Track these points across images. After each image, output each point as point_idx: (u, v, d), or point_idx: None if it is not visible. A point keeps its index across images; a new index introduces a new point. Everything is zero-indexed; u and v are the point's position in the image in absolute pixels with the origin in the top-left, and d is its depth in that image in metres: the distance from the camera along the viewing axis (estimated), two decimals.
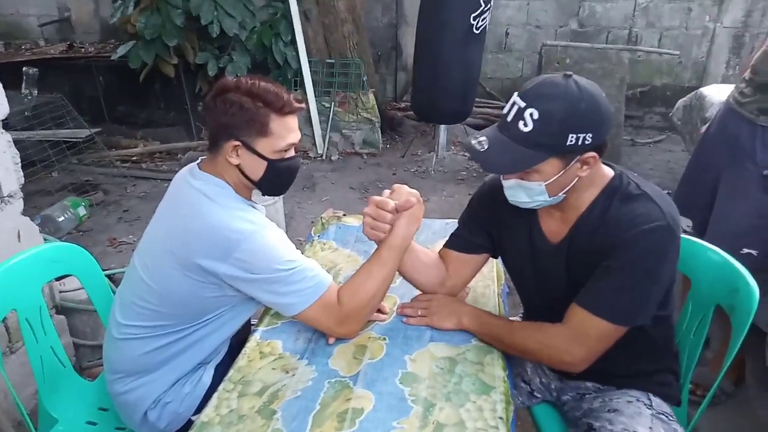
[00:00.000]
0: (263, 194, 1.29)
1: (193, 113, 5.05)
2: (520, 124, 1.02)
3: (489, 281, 1.49)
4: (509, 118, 1.05)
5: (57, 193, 3.86)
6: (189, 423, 1.08)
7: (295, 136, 1.22)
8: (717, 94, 2.71)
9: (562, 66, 4.35)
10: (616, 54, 4.43)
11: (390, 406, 1.04)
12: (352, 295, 1.19)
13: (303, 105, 1.24)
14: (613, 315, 1.07)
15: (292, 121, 1.22)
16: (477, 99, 4.85)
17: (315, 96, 4.73)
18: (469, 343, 1.24)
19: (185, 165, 1.29)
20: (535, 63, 5.32)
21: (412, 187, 1.24)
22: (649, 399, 1.19)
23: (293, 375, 1.14)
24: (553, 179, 1.06)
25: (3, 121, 1.77)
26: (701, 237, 1.48)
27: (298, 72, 4.67)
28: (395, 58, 5.81)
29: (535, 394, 1.37)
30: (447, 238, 1.37)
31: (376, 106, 4.90)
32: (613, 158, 4.33)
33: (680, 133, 3.24)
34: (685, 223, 2.10)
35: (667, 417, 1.16)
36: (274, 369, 1.16)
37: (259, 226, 1.16)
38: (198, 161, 1.28)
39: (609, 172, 1.14)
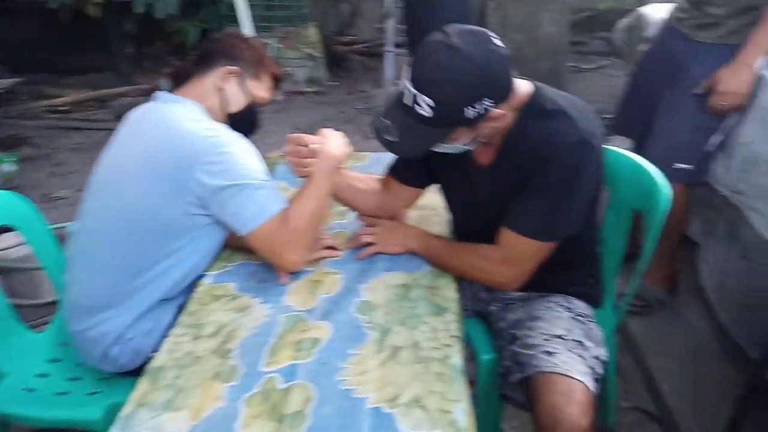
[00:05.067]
0: None
1: (123, 56, 4.74)
2: (418, 108, 1.03)
3: (441, 209, 1.50)
4: (408, 102, 1.04)
5: None
6: (150, 360, 1.08)
7: (268, 98, 1.40)
8: (656, 12, 2.73)
9: None
10: None
11: (347, 334, 1.06)
12: (293, 217, 1.21)
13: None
14: (539, 233, 1.12)
15: (272, 88, 1.41)
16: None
17: (254, 32, 4.50)
18: (422, 269, 1.26)
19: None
20: None
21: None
22: (569, 302, 1.26)
23: (248, 314, 1.13)
24: (468, 140, 1.10)
25: None
26: (642, 156, 1.52)
27: (233, 6, 4.40)
28: None
29: (465, 306, 1.40)
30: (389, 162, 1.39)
31: (318, 41, 4.72)
32: (557, 86, 4.33)
33: (622, 55, 3.28)
34: (627, 144, 2.16)
35: (584, 318, 1.24)
36: (227, 310, 1.14)
37: (231, 135, 1.21)
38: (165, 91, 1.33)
39: (527, 89, 1.13)
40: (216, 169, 1.15)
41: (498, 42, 1.03)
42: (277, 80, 1.41)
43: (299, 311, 1.13)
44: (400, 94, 1.06)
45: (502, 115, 1.06)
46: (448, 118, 1.03)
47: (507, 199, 1.15)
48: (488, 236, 1.19)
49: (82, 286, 1.23)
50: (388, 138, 1.08)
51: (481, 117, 1.03)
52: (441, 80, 1.00)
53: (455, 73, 0.99)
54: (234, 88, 1.32)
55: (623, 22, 3.12)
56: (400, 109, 1.06)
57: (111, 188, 1.24)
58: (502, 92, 1.04)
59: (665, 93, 1.87)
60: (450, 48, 0.99)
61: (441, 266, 1.26)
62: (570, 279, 1.28)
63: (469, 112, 1.01)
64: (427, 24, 3.70)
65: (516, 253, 1.15)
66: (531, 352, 1.13)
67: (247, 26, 4.41)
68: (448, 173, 1.30)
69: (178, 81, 1.34)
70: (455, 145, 1.10)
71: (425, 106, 1.01)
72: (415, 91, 1.02)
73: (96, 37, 4.69)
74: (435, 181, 1.37)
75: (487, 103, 1.02)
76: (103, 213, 1.23)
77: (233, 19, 4.44)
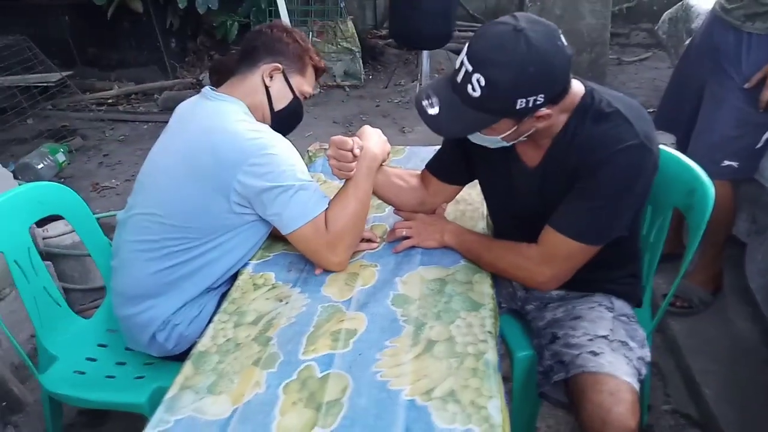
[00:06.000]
0: (272, 128, 1.31)
1: (166, 51, 4.86)
2: (469, 88, 0.99)
3: (478, 204, 1.50)
4: (459, 79, 1.01)
5: (33, 140, 3.77)
6: (194, 345, 1.12)
7: (312, 92, 1.42)
8: (704, 3, 2.63)
9: None
10: None
11: (382, 326, 1.07)
12: (334, 219, 1.22)
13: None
14: (585, 236, 1.09)
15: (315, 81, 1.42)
16: (460, 22, 4.68)
17: (292, 26, 4.54)
18: (458, 264, 1.26)
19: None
20: None
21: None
22: (611, 302, 1.23)
23: (287, 303, 1.16)
24: (507, 133, 1.06)
25: None
26: (684, 152, 1.47)
27: (272, 0, 4.46)
28: None
29: (501, 304, 1.40)
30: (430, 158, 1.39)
31: (356, 35, 4.74)
32: (599, 78, 4.24)
33: (666, 47, 3.18)
34: (669, 139, 2.10)
35: (628, 318, 1.21)
36: (267, 299, 1.18)
37: (274, 136, 1.22)
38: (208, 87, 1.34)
39: (579, 90, 1.09)
40: (260, 171, 1.16)
41: (564, 41, 0.99)
42: (319, 72, 1.41)
43: (336, 302, 1.15)
44: (454, 72, 1.03)
45: (548, 116, 1.03)
46: (497, 104, 0.99)
47: (552, 201, 1.13)
48: (528, 235, 1.17)
49: (129, 275, 1.27)
50: (428, 111, 1.06)
51: (529, 112, 1.00)
52: (501, 62, 0.95)
53: (517, 58, 0.94)
54: (280, 85, 1.33)
55: (668, 14, 3.02)
56: (450, 85, 1.03)
57: (158, 182, 1.26)
58: (557, 92, 1.01)
59: (711, 87, 1.80)
60: (518, 32, 0.95)
61: (478, 262, 1.25)
62: (611, 278, 1.25)
63: (520, 104, 0.97)
64: (409, 13, 3.73)
65: (558, 253, 1.12)
66: (575, 352, 1.11)
67: (285, 20, 4.46)
68: (490, 172, 1.28)
69: (220, 75, 1.37)
70: (493, 137, 1.08)
71: (477, 86, 0.97)
72: (471, 68, 0.97)
73: (141, 32, 4.82)
74: (475, 177, 1.36)
75: (540, 99, 0.98)
76: (150, 205, 1.25)
77: (272, 14, 4.50)
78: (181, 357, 1.22)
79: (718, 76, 1.77)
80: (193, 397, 0.93)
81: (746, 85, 1.69)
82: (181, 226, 1.21)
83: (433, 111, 1.05)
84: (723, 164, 1.75)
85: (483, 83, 0.97)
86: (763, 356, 1.74)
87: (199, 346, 1.05)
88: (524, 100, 0.97)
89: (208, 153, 1.18)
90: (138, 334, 1.28)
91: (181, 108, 1.35)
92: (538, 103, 0.98)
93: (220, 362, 1.01)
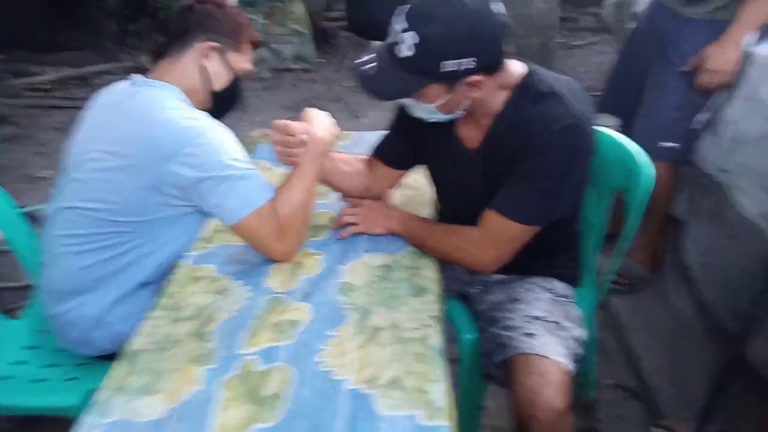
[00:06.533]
0: (210, 111, 1.26)
1: (105, 33, 4.62)
2: (403, 47, 0.99)
3: (425, 189, 1.49)
4: (395, 38, 1.00)
5: None
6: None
7: (251, 69, 1.35)
8: None
9: None
10: None
11: (326, 316, 1.05)
12: (281, 207, 1.18)
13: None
14: (525, 217, 1.11)
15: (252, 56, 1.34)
16: None
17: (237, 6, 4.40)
18: (403, 250, 1.25)
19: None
20: None
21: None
22: (549, 283, 1.25)
23: (228, 296, 1.12)
24: (440, 102, 1.06)
25: None
26: (629, 135, 1.50)
27: None
28: None
29: (448, 287, 1.39)
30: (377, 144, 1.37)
31: (306, 17, 4.63)
32: (547, 62, 4.31)
33: (612, 31, 3.24)
34: (614, 122, 2.14)
35: (565, 298, 1.24)
36: (207, 292, 1.13)
37: (210, 123, 1.16)
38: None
39: (519, 72, 1.10)
40: (195, 162, 1.11)
41: (501, 9, 1.00)
42: (255, 46, 1.35)
43: (280, 293, 1.12)
44: (393, 31, 1.02)
45: (480, 83, 1.02)
46: (426, 65, 0.98)
47: (495, 183, 1.13)
48: (474, 219, 1.18)
49: (58, 271, 1.20)
50: (365, 73, 1.05)
51: (459, 77, 1.00)
52: (432, 18, 0.96)
53: (449, 16, 0.95)
54: (216, 65, 1.26)
55: None
56: (386, 47, 1.03)
57: (86, 174, 1.18)
58: (488, 57, 1.00)
59: (654, 71, 1.84)
60: None
61: (423, 247, 1.25)
62: (552, 264, 1.27)
63: (448, 65, 0.97)
64: (368, 2, 3.64)
65: (499, 235, 1.14)
66: (511, 334, 1.13)
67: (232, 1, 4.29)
68: (434, 156, 1.27)
69: (160, 58, 1.30)
70: (428, 105, 1.07)
71: (408, 44, 0.97)
72: (407, 25, 0.98)
73: (78, 13, 4.57)
74: (420, 163, 1.35)
75: (469, 63, 0.98)
76: (78, 199, 1.18)
77: None
78: (116, 356, 1.17)
79: (660, 60, 1.81)
80: (127, 398, 0.89)
81: (682, 68, 1.73)
82: (113, 219, 1.15)
83: (370, 73, 1.04)
84: (665, 145, 1.80)
85: (416, 41, 0.97)
86: (699, 331, 1.81)
87: (133, 344, 1.01)
88: (453, 62, 0.98)
89: (141, 144, 1.12)
90: (69, 332, 1.21)
91: (107, 97, 1.26)
92: (469, 67, 0.98)
93: (157, 360, 0.97)
